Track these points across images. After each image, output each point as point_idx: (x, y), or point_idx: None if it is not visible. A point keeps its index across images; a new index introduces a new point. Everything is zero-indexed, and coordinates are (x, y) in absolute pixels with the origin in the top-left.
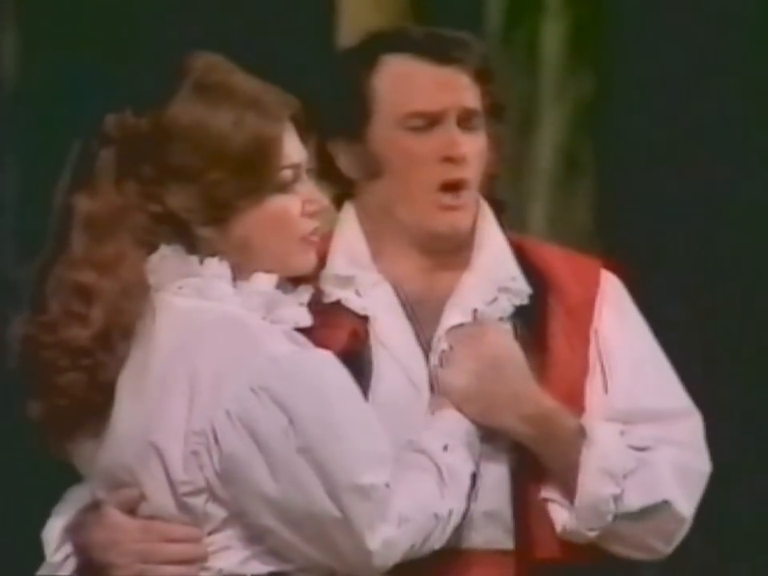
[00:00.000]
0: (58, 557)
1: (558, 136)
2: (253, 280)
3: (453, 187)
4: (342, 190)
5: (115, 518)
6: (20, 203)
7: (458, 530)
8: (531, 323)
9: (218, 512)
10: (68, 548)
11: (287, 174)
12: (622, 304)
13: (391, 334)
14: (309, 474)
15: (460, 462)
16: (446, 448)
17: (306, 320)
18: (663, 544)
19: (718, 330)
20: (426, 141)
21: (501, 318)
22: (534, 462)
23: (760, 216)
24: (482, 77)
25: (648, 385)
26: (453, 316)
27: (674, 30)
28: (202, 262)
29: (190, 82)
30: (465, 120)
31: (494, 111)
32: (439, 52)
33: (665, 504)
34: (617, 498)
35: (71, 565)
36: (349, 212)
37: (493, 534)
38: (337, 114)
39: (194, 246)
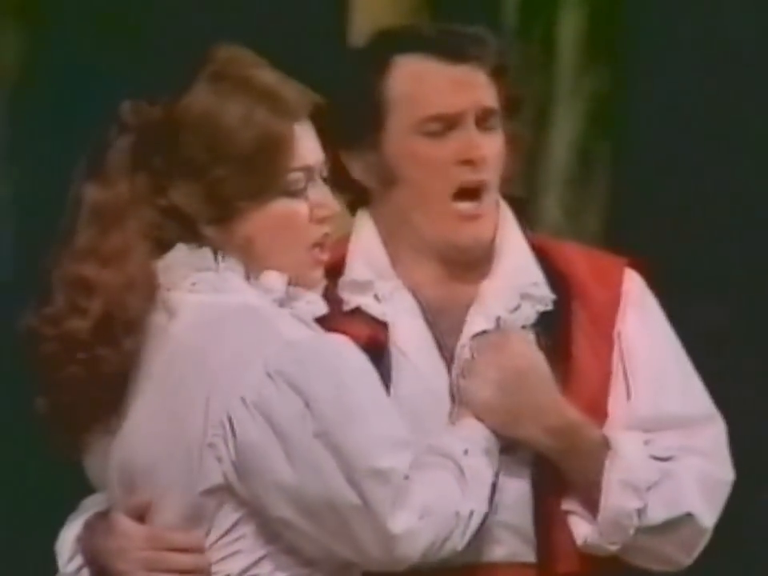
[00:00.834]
0: (72, 567)
1: (573, 132)
2: (263, 278)
3: (472, 192)
4: (356, 197)
5: (122, 524)
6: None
7: (479, 543)
8: (554, 330)
9: (232, 513)
10: (80, 558)
11: (297, 176)
12: (646, 304)
13: (410, 341)
14: (326, 459)
15: (481, 467)
16: (466, 452)
17: (323, 309)
18: (684, 555)
19: (737, 330)
20: (444, 145)
21: (524, 326)
22: (556, 473)
23: None
24: (499, 73)
25: (672, 390)
26: (476, 323)
27: (692, 23)
28: (215, 256)
29: (207, 72)
30: (483, 119)
31: (511, 108)
32: (454, 50)
33: (688, 517)
34: (640, 512)
35: (85, 575)
36: (364, 219)
37: (514, 547)
38: (349, 120)
39: (199, 246)
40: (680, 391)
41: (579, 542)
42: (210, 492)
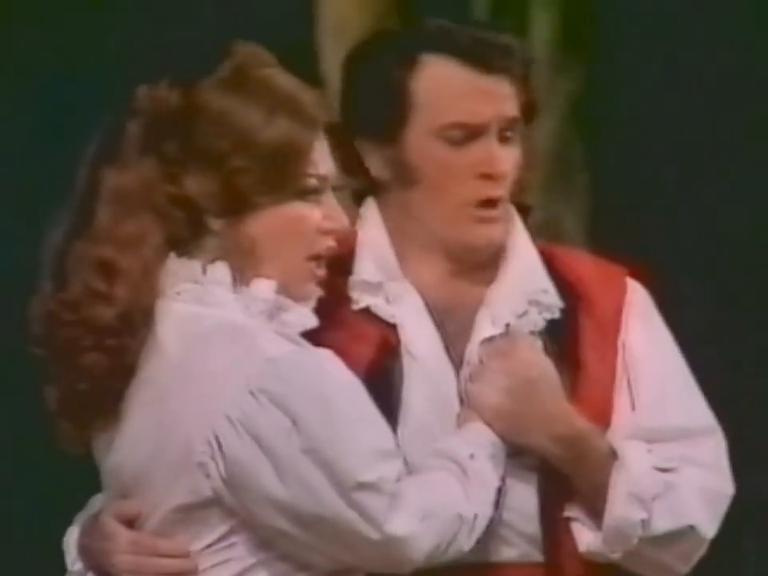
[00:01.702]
0: (78, 566)
1: (547, 131)
2: (253, 285)
3: (490, 203)
4: (364, 186)
5: (109, 527)
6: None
7: (489, 544)
8: (562, 337)
9: (222, 523)
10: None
11: (312, 182)
12: (648, 314)
13: (419, 343)
14: (316, 475)
15: (487, 470)
16: (472, 456)
17: (312, 321)
18: (682, 565)
19: (722, 331)
20: (464, 154)
21: (532, 333)
22: (562, 480)
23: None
24: (522, 82)
25: (674, 402)
26: (485, 328)
27: (668, 20)
28: (204, 269)
29: (228, 68)
30: (505, 130)
31: (529, 114)
32: (484, 60)
33: (690, 528)
34: (644, 522)
35: (91, 574)
36: (372, 210)
37: (524, 548)
38: (370, 111)
39: (200, 239)
40: (682, 403)
41: (582, 548)
42: (199, 504)
